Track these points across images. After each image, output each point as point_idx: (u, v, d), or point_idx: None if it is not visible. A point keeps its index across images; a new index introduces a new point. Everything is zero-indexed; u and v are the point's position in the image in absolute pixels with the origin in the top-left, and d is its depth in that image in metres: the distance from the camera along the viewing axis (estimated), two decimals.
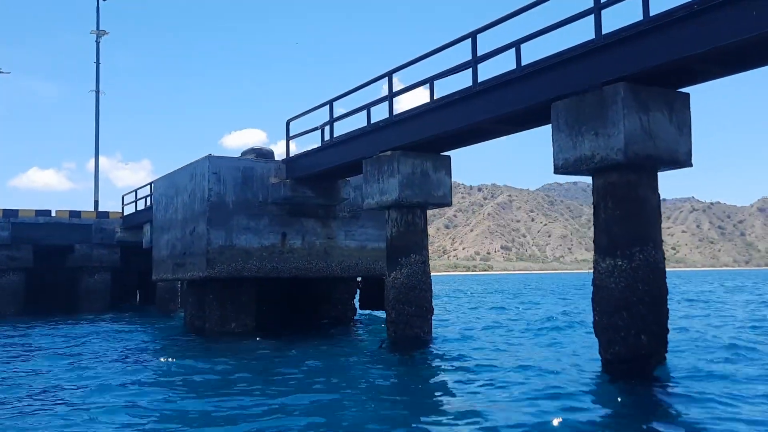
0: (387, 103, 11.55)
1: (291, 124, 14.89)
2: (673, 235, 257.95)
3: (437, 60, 10.86)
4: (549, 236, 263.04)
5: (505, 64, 9.75)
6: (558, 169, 8.03)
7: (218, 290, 14.55)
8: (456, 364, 9.93)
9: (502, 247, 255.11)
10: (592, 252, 7.88)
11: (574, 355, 10.42)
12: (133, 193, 25.26)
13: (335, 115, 13.43)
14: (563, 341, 12.87)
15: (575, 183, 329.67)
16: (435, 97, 10.86)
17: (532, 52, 9.26)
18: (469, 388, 7.98)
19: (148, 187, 23.53)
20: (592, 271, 7.77)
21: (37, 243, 25.22)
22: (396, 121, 11.32)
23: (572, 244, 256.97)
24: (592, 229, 7.88)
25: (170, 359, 11.15)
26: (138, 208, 25.02)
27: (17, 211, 24.90)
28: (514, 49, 9.17)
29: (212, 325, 14.55)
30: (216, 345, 12.97)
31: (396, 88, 11.47)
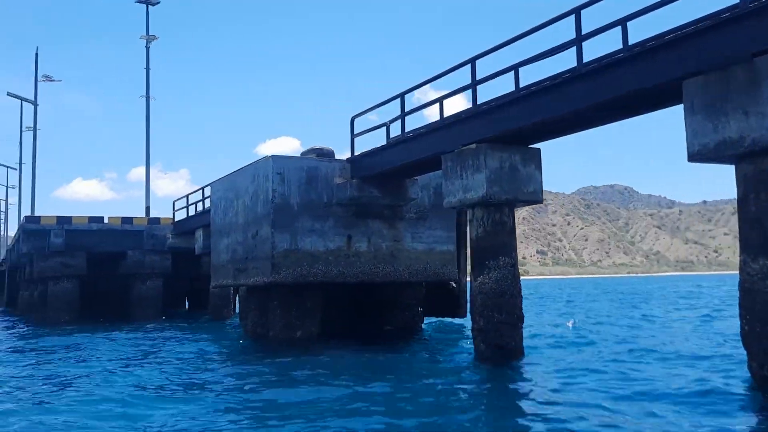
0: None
1: (356, 121, 14.12)
2: (715, 238, 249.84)
3: (522, 46, 9.94)
4: (586, 240, 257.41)
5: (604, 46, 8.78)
6: (693, 157, 7.00)
7: (282, 296, 13.83)
8: (560, 377, 8.94)
9: (537, 252, 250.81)
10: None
11: (712, 371, 9.27)
12: (184, 199, 24.90)
13: (404, 110, 12.58)
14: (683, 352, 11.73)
15: (612, 186, 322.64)
16: (520, 86, 9.95)
17: (640, 30, 8.30)
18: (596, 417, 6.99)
19: (200, 192, 23.12)
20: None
21: (90, 250, 25.08)
22: (481, 111, 10.40)
23: (610, 248, 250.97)
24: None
25: (249, 385, 10.44)
26: (189, 214, 24.65)
27: (71, 218, 24.79)
28: (620, 27, 8.24)
29: (276, 332, 13.84)
30: (287, 358, 12.20)
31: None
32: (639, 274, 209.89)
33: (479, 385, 8.90)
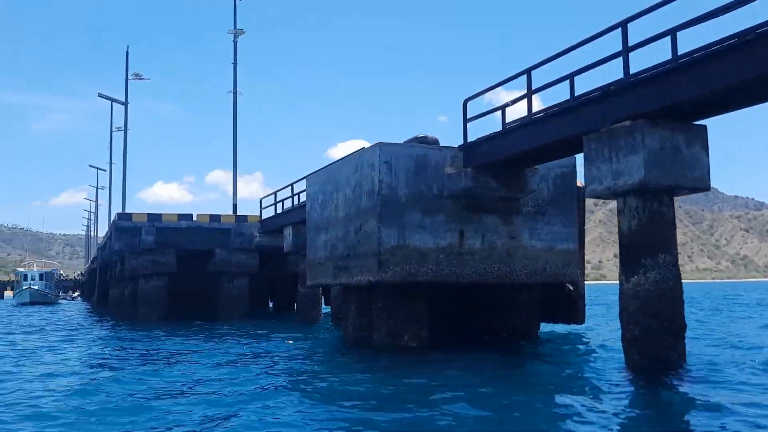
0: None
1: (469, 104, 12.78)
2: None
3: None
4: None
5: None
6: None
7: (388, 297, 12.65)
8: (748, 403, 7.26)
9: (615, 256, 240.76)
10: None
11: None
12: (272, 196, 24.33)
13: (531, 89, 11.12)
14: None
15: None
16: (678, 54, 8.34)
17: None
18: None
19: (289, 188, 22.43)
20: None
21: (179, 248, 24.94)
22: (638, 82, 8.83)
23: (692, 252, 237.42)
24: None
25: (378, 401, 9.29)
26: (277, 211, 24.06)
27: (161, 215, 24.71)
28: None
29: (381, 337, 12.67)
30: (405, 369, 11.00)
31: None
32: (725, 280, 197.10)
33: (656, 407, 7.34)
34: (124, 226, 23.99)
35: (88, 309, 44.52)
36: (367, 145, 13.45)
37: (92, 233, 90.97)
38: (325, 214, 14.93)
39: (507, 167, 12.44)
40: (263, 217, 25.68)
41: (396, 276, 12.17)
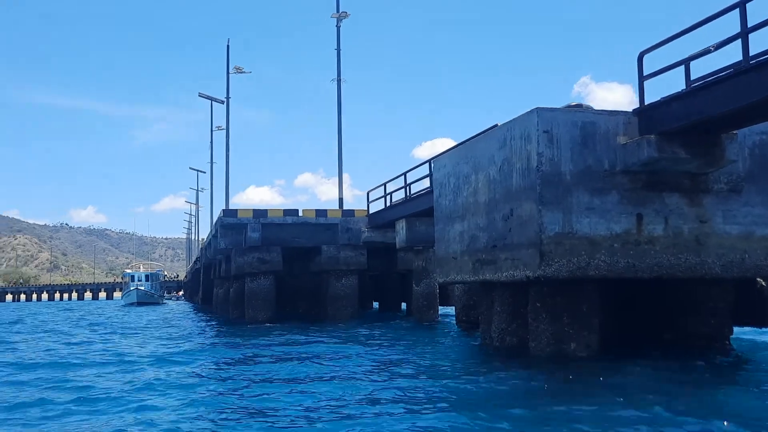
0: None
1: (645, 58, 10.37)
2: None
3: None
4: None
5: None
6: None
7: (551, 296, 10.47)
8: None
9: None
10: None
11: None
12: (381, 188, 22.66)
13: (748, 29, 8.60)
14: None
15: None
16: None
17: None
18: None
19: (401, 178, 20.65)
20: None
21: (285, 244, 23.79)
22: None
23: None
24: None
25: None
26: (387, 204, 22.36)
27: (266, 211, 23.64)
28: None
29: (540, 344, 10.50)
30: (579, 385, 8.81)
31: None
32: None
33: None
34: (229, 222, 23.08)
35: (193, 309, 44.98)
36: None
37: (192, 236, 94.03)
38: (459, 201, 12.91)
39: (699, 133, 9.95)
40: (371, 211, 24.10)
41: (561, 270, 9.97)
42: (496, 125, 12.42)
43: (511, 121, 11.09)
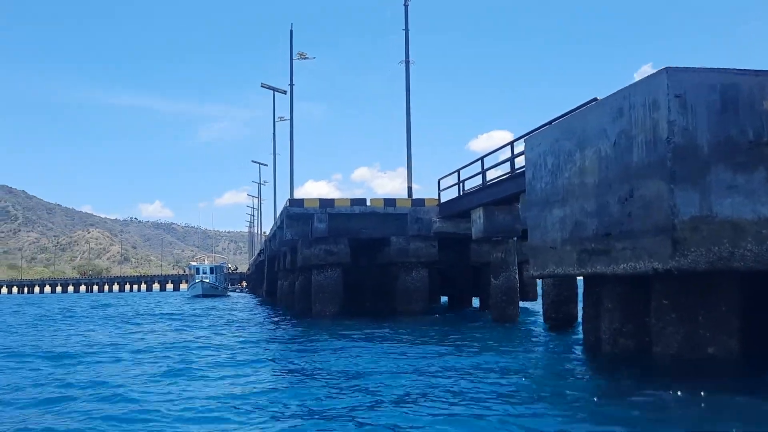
0: None
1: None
2: None
3: None
4: None
5: None
6: None
7: (681, 292, 8.80)
8: None
9: None
10: None
11: None
12: (455, 174, 21.18)
13: None
14: None
15: None
16: None
17: None
18: None
19: (478, 163, 19.12)
20: None
21: (352, 236, 22.68)
22: None
23: None
24: None
25: None
26: (461, 192, 20.89)
27: (333, 200, 22.57)
28: None
29: (668, 348, 8.83)
30: None
31: None
32: None
33: None
34: (295, 212, 22.12)
35: (257, 302, 44.79)
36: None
37: (255, 228, 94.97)
38: (559, 183, 11.32)
39: None
40: (442, 200, 22.67)
41: (699, 261, 8.28)
42: (595, 99, 10.83)
43: (628, 87, 9.42)
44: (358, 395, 8.05)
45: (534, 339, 14.51)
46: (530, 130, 14.02)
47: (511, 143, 16.55)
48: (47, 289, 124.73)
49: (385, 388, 8.41)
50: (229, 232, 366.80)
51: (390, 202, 22.90)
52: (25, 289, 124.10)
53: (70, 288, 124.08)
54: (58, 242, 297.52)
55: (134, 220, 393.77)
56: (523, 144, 13.23)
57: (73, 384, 9.63)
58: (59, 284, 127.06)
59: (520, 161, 15.53)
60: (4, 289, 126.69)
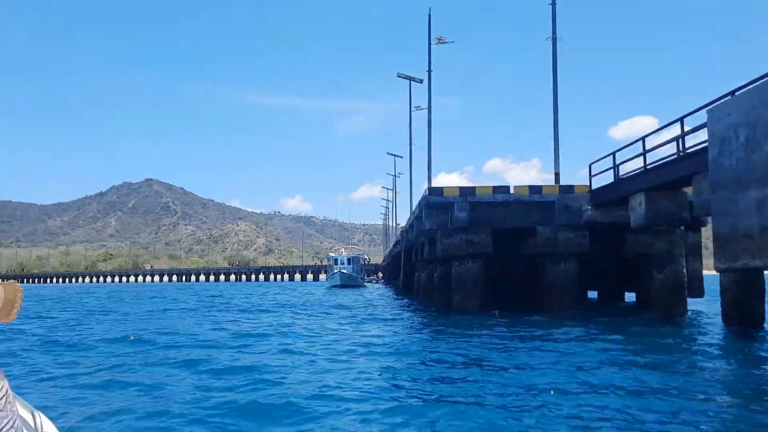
0: None
1: None
2: None
3: None
4: None
5: None
6: None
7: None
8: None
9: None
10: None
11: None
12: (610, 158, 19.29)
13: None
14: None
15: None
16: None
17: None
18: None
19: (639, 143, 17.16)
20: None
21: (494, 225, 21.51)
22: None
23: None
24: None
25: None
26: (617, 177, 18.97)
27: (474, 188, 21.54)
28: None
29: None
30: None
31: None
32: None
33: None
34: (435, 201, 21.37)
35: (394, 293, 44.90)
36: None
37: (389, 221, 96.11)
38: (755, 159, 9.49)
39: None
40: (593, 186, 20.81)
41: None
42: None
43: None
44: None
45: (717, 343, 12.53)
46: (710, 101, 12.05)
47: (681, 119, 14.55)
48: (201, 277, 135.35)
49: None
50: (363, 225, 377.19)
51: (536, 189, 21.42)
52: (183, 278, 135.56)
53: (222, 277, 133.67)
54: (211, 234, 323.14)
55: (277, 214, 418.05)
56: (706, 115, 11.36)
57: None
58: (212, 273, 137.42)
59: (690, 141, 13.58)
60: (165, 277, 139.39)
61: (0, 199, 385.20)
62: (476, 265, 21.42)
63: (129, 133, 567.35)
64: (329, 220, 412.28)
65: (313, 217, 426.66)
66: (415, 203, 32.26)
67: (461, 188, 21.48)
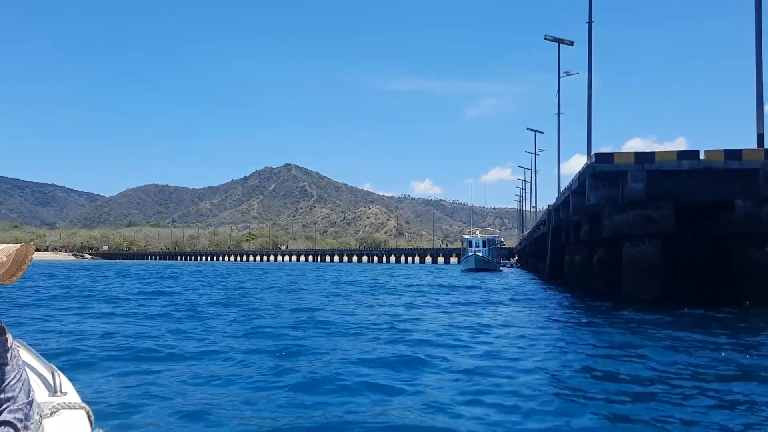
0: None
1: None
2: None
3: None
4: None
5: None
6: None
7: None
8: None
9: None
10: None
11: None
12: None
13: None
14: None
15: None
16: None
17: None
18: None
19: None
20: None
21: (676, 199, 17.79)
22: None
23: None
24: None
25: None
26: None
27: (653, 153, 17.91)
28: None
29: None
30: None
31: None
32: None
33: None
34: (602, 170, 18.02)
35: (533, 278, 41.43)
36: None
37: (525, 205, 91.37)
38: None
39: None
40: None
41: None
42: None
43: None
44: None
45: None
46: None
47: None
48: (336, 258, 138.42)
49: None
50: (494, 209, 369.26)
51: (733, 154, 17.35)
52: (318, 258, 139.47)
53: (354, 258, 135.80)
54: (344, 217, 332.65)
55: (407, 197, 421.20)
56: None
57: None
58: (345, 254, 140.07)
59: None
60: (302, 257, 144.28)
61: (160, 183, 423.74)
62: (654, 246, 17.83)
63: (270, 120, 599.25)
64: (459, 203, 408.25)
65: (442, 200, 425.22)
66: (563, 181, 28.66)
67: (637, 154, 17.92)
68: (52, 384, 2.63)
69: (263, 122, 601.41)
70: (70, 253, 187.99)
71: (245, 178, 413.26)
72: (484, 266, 56.83)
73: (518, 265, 77.42)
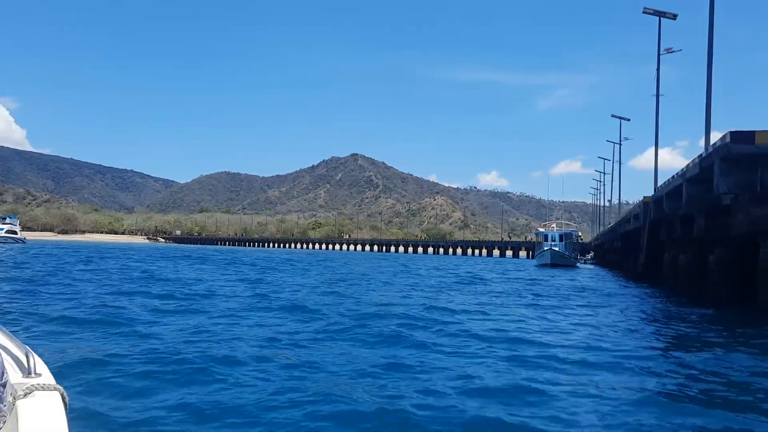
0: None
1: None
2: None
3: None
4: None
5: None
6: None
7: None
8: None
9: None
10: None
11: None
12: None
13: None
14: None
15: None
16: None
17: None
18: None
19: None
20: None
21: None
22: None
23: None
24: None
25: None
26: None
27: (753, 133, 14.60)
28: None
29: None
30: None
31: None
32: None
33: None
34: (739, 152, 14.86)
35: (614, 276, 37.84)
36: None
37: (600, 200, 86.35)
38: None
39: None
40: None
41: None
42: None
43: None
44: None
45: None
46: None
47: None
48: (401, 249, 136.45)
49: None
50: (563, 202, 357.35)
51: None
52: (383, 248, 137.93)
53: (420, 249, 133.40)
54: (409, 208, 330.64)
55: (473, 189, 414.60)
56: None
57: None
58: (410, 245, 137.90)
59: None
60: (367, 247, 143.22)
61: (231, 171, 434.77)
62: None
63: (337, 110, 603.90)
64: (526, 196, 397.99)
65: (509, 192, 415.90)
66: (664, 170, 25.06)
67: (733, 133, 14.66)
68: (26, 365, 2.65)
69: (331, 112, 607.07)
70: (144, 237, 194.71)
71: (313, 168, 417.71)
72: (560, 261, 53.25)
73: (593, 261, 72.89)
